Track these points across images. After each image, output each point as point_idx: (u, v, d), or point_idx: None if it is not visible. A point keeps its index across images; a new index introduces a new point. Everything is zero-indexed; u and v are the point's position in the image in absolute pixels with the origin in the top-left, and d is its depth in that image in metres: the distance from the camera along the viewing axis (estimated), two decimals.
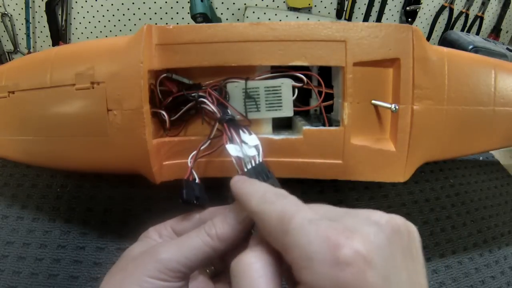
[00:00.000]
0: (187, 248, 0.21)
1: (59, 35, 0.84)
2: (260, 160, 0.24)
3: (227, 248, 0.22)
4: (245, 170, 0.23)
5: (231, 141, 0.25)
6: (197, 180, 0.26)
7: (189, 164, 0.27)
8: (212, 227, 0.22)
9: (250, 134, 0.25)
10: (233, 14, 0.86)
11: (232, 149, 0.24)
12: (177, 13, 0.85)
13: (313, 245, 0.15)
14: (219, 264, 0.27)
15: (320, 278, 0.15)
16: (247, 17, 0.85)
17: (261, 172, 0.23)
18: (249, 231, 0.23)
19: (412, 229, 0.18)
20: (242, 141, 0.24)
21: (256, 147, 0.24)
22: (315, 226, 0.16)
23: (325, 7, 0.87)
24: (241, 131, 0.25)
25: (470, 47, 0.67)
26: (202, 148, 0.28)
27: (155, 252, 0.21)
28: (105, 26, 0.86)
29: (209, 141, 0.28)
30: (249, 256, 0.18)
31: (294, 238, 0.16)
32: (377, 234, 0.16)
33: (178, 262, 0.21)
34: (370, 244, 0.15)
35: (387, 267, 0.15)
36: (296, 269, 0.16)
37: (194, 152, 0.27)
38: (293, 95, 0.31)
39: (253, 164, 0.24)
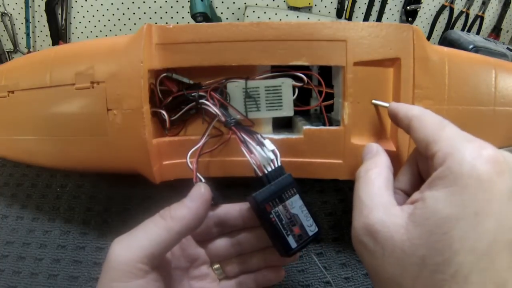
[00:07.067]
0: (140, 238, 0.21)
1: (59, 34, 0.84)
2: (279, 164, 0.25)
3: (185, 230, 0.22)
4: (266, 172, 0.24)
5: (244, 143, 0.25)
6: (203, 181, 0.26)
7: (192, 166, 0.27)
8: (166, 210, 0.22)
9: (264, 139, 0.26)
10: (233, 13, 0.86)
11: (260, 152, 0.25)
12: (177, 12, 0.85)
13: (461, 141, 0.18)
14: (228, 266, 0.27)
15: (462, 166, 0.17)
16: (247, 16, 0.84)
17: (280, 175, 0.24)
18: (206, 213, 0.23)
19: None
20: (262, 145, 0.25)
21: (273, 151, 0.25)
22: (464, 134, 0.20)
23: (325, 7, 0.87)
24: (258, 136, 0.26)
25: (471, 46, 0.66)
26: (198, 147, 0.28)
27: (110, 253, 0.20)
28: (105, 26, 0.86)
29: (203, 141, 0.28)
30: (369, 163, 0.23)
31: (447, 133, 0.20)
32: None
33: (132, 256, 0.20)
34: (510, 158, 0.18)
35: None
36: (439, 156, 0.19)
37: (190, 152, 0.27)
38: (294, 94, 0.31)
39: (273, 167, 0.25)
